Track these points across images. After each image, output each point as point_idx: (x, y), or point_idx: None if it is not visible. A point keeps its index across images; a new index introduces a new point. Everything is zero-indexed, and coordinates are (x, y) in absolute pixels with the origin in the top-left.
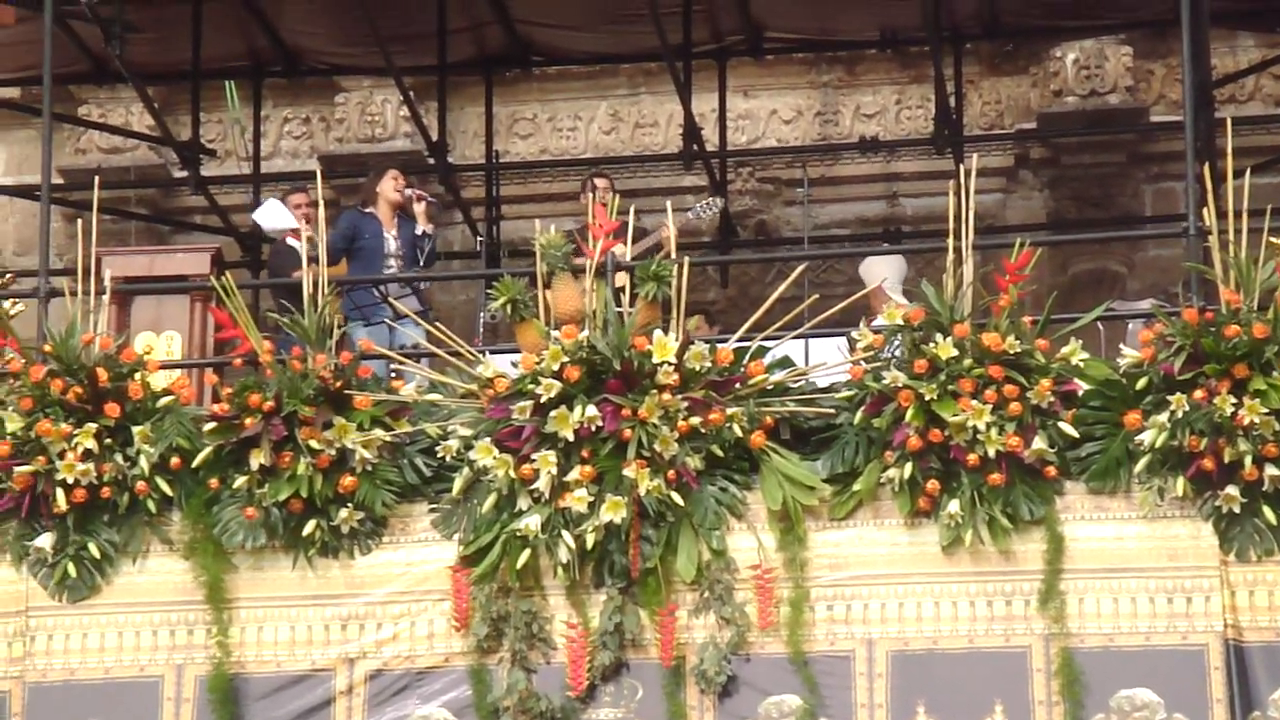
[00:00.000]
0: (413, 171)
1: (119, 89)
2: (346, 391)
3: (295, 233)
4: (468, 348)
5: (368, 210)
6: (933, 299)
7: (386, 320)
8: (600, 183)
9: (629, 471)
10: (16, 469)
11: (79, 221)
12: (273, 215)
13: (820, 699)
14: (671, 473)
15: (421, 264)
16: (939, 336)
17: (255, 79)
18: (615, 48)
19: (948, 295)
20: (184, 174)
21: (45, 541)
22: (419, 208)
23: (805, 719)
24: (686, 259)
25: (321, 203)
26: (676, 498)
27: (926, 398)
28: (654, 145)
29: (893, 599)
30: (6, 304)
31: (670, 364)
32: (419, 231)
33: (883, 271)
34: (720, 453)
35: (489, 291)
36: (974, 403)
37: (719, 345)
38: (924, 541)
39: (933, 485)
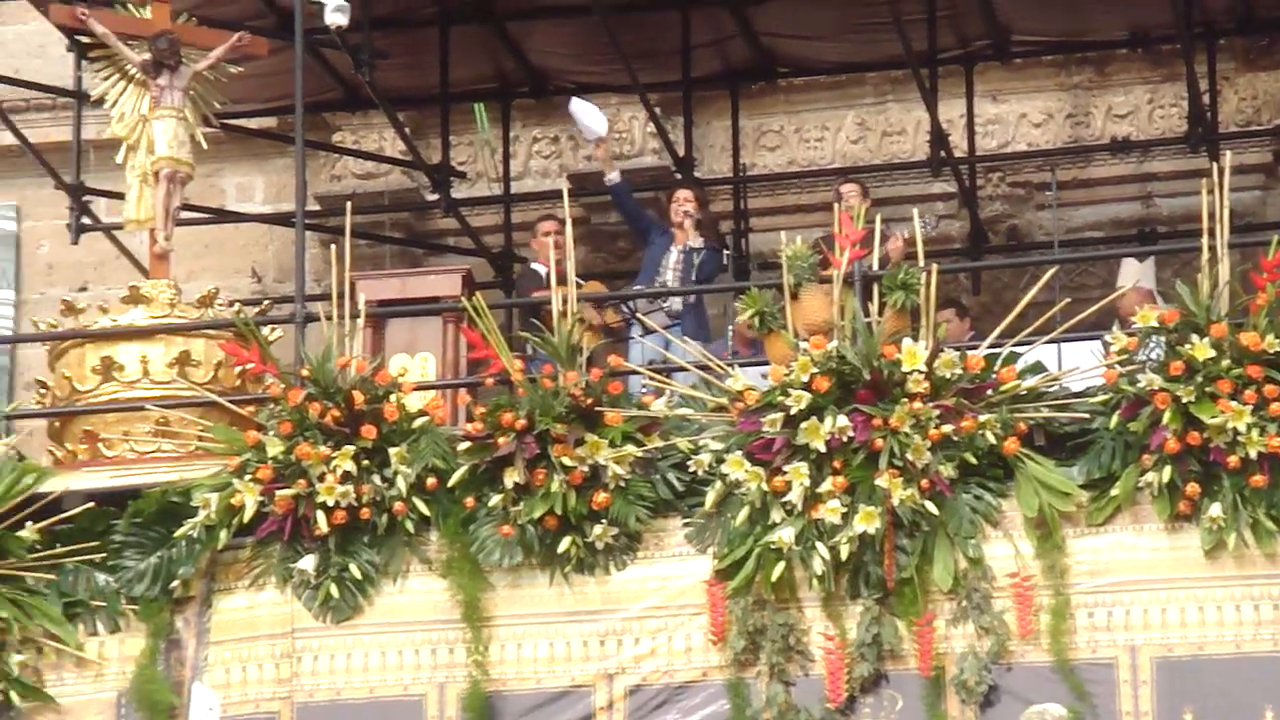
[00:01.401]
0: (660, 188)
1: (371, 115)
2: (598, 408)
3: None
4: (718, 361)
5: (669, 229)
6: (1188, 299)
7: (633, 337)
8: (847, 188)
9: (882, 481)
10: (278, 493)
11: (333, 247)
12: (588, 113)
13: (1090, 706)
14: (925, 481)
15: (695, 279)
16: (1195, 337)
17: (504, 100)
18: (861, 56)
19: (1203, 295)
20: (435, 196)
21: (308, 564)
22: (686, 224)
23: None
24: (935, 266)
25: (570, 221)
26: (931, 507)
27: (1184, 400)
28: (902, 153)
29: (1155, 605)
30: (266, 330)
31: (921, 372)
32: (687, 247)
33: (1136, 274)
34: (974, 460)
35: (737, 304)
36: (1233, 404)
37: (969, 352)
38: (1185, 546)
39: (1193, 489)
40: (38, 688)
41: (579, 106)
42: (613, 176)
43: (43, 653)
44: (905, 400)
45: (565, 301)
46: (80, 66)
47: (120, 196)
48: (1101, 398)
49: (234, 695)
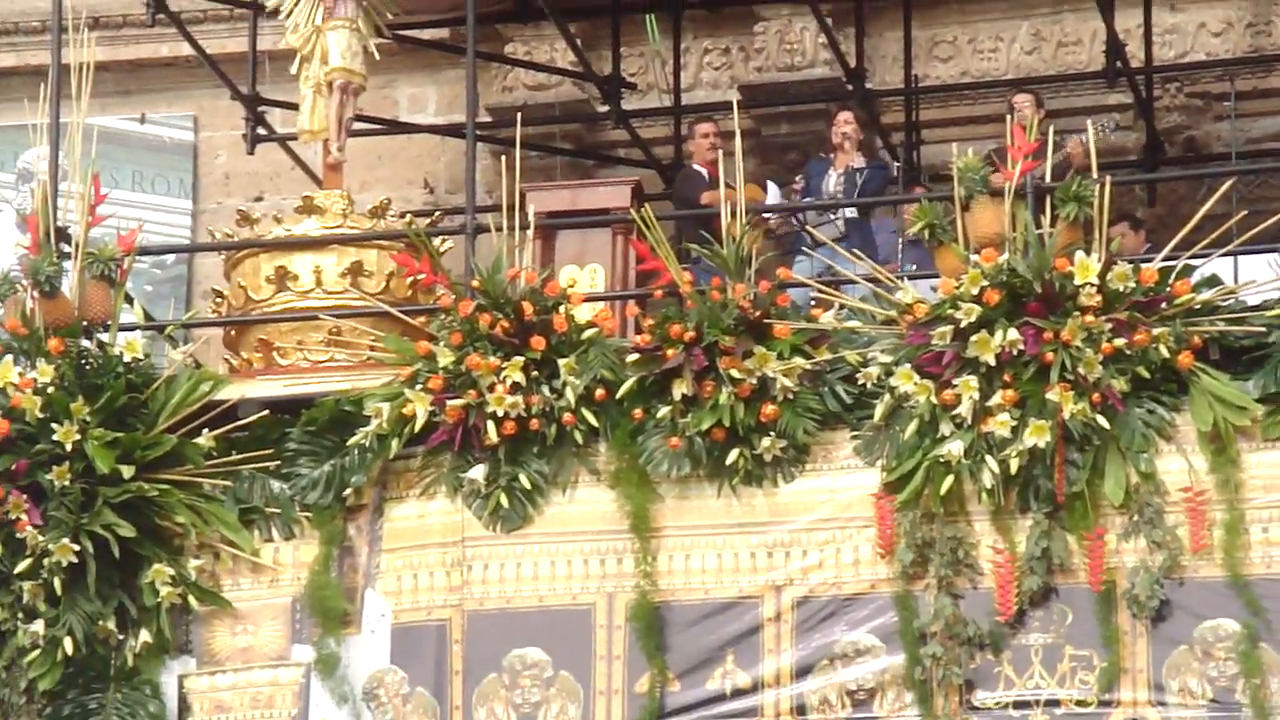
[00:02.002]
0: (831, 99)
1: (542, 26)
2: (766, 320)
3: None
4: (887, 274)
5: (825, 156)
6: None
7: (804, 249)
8: (1020, 99)
9: (1052, 395)
10: (449, 402)
11: (503, 158)
12: None
13: (1265, 622)
14: (1096, 395)
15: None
16: None
17: (675, 11)
18: None
19: None
20: (606, 108)
21: (478, 473)
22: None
23: (1245, 643)
24: (1108, 178)
25: (739, 133)
26: (1102, 420)
27: None
28: (1077, 64)
29: None
30: (437, 241)
31: (1093, 285)
32: (854, 166)
33: None
34: (1146, 374)
35: (907, 217)
36: None
37: (1143, 265)
38: None
39: None
40: (214, 592)
41: None
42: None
43: (219, 558)
44: (1077, 313)
45: (735, 212)
46: None
47: (295, 107)
48: (1278, 311)
49: (405, 602)
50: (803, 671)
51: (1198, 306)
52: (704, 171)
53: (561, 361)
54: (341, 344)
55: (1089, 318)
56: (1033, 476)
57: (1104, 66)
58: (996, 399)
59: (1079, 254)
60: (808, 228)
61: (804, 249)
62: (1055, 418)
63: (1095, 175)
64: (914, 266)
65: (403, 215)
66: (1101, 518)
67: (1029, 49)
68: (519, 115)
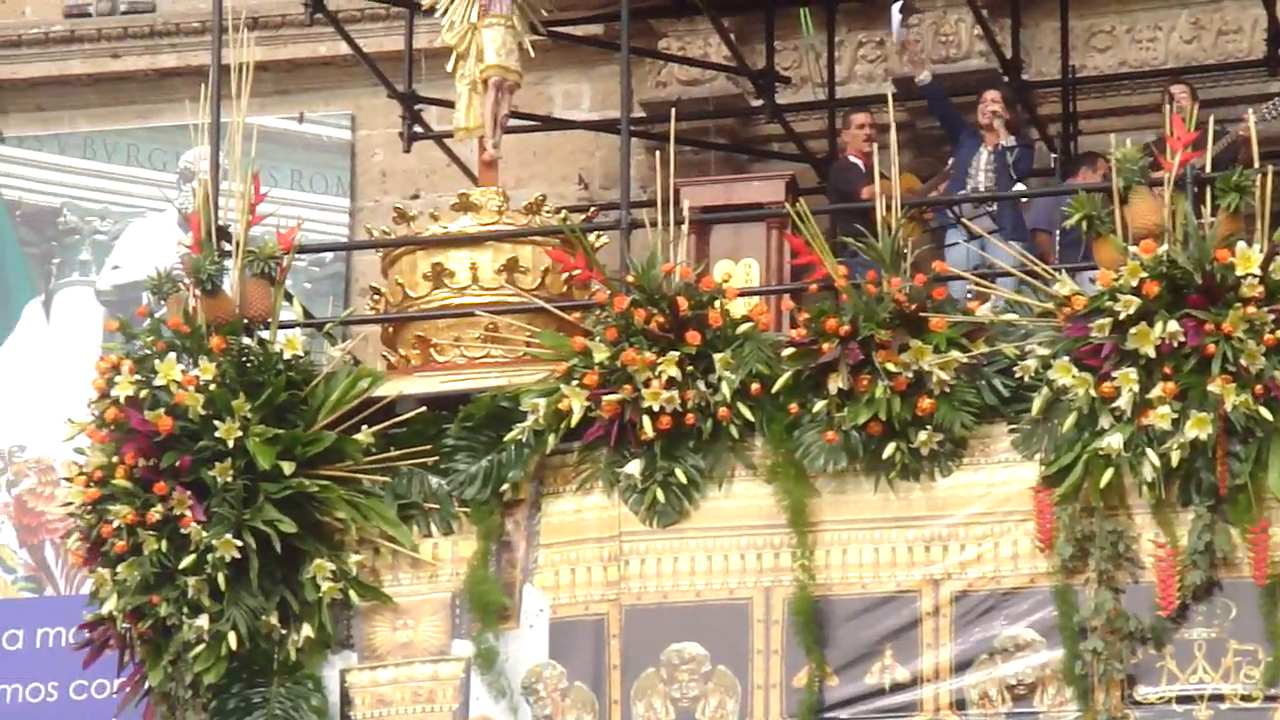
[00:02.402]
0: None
1: (696, 21)
2: (922, 314)
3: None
4: (1045, 266)
5: (978, 130)
6: None
7: (961, 240)
8: (1177, 89)
9: (1214, 387)
10: (605, 398)
11: (658, 153)
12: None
13: None
14: (1259, 387)
15: (1013, 178)
16: None
17: (829, 4)
18: None
19: None
20: (760, 102)
21: (634, 468)
22: (996, 123)
23: None
24: (1269, 168)
25: (894, 126)
26: (1265, 412)
27: None
28: (1238, 53)
29: None
30: (592, 236)
31: (1255, 276)
32: (1002, 145)
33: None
34: None
35: (1064, 209)
36: None
37: None
38: None
39: None
40: (375, 587)
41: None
42: (923, 77)
43: (379, 553)
44: (1239, 305)
45: (890, 205)
46: None
47: (450, 105)
48: None
49: (563, 597)
50: (961, 666)
51: None
52: (859, 163)
53: (717, 356)
54: (498, 340)
55: (1251, 309)
56: (1194, 469)
57: (1265, 55)
58: (1157, 391)
59: (1240, 244)
60: (963, 220)
61: (960, 239)
62: (1217, 410)
63: (1257, 164)
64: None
65: (558, 211)
66: (1265, 511)
67: (1188, 38)
68: (673, 110)
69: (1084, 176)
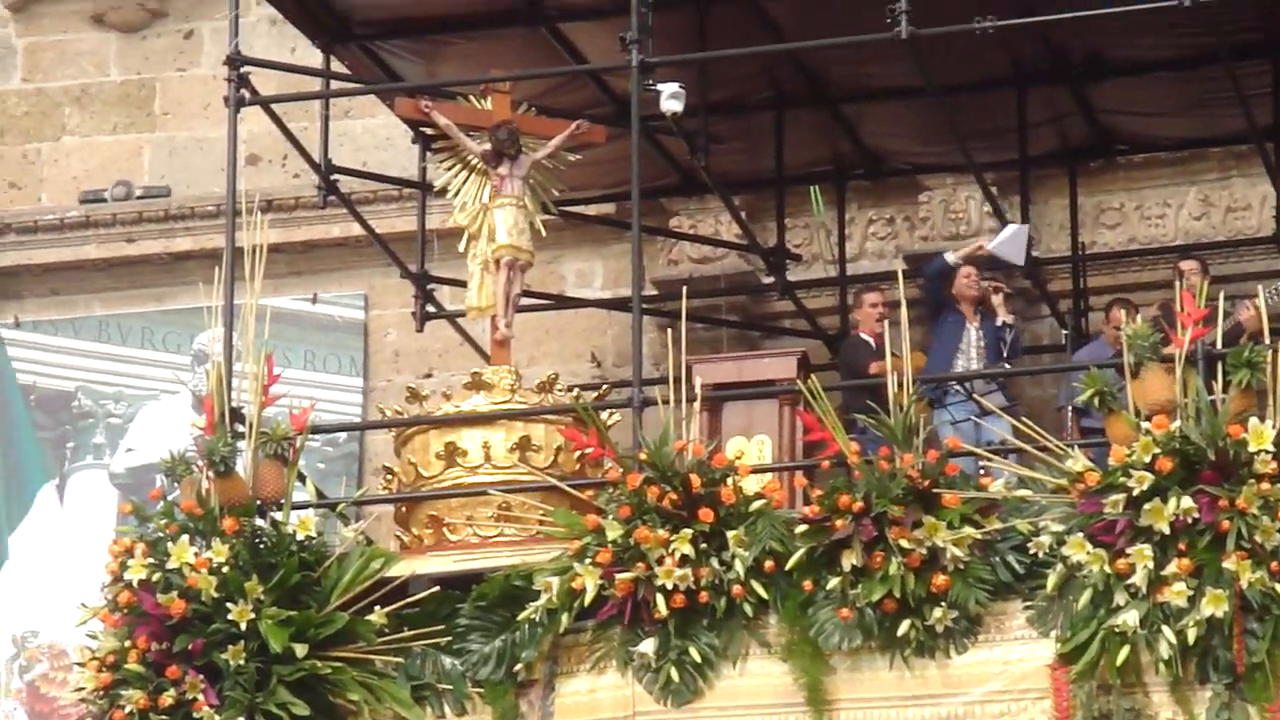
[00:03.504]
0: (997, 267)
1: (707, 199)
2: (935, 490)
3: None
4: (1056, 442)
5: (958, 307)
6: None
7: (973, 416)
8: (1187, 265)
9: (1229, 564)
10: (618, 576)
11: (669, 331)
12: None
13: None
14: (1274, 563)
15: (1005, 355)
16: None
17: (839, 182)
18: (1203, 132)
19: None
20: (771, 279)
21: (648, 647)
22: (996, 299)
23: None
24: None
25: (904, 302)
26: None
27: None
28: (1246, 229)
29: None
30: (604, 414)
31: (1269, 451)
32: (999, 323)
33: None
34: None
35: (1075, 384)
36: None
37: None
38: None
39: None
40: None
41: (1013, 233)
42: (951, 257)
43: None
44: (1252, 480)
45: (901, 382)
46: (424, 158)
47: (463, 284)
48: None
49: None
50: None
51: None
52: (870, 340)
53: (730, 533)
54: (510, 519)
55: (1265, 485)
56: (1211, 647)
57: (1274, 231)
58: (1172, 568)
59: (1253, 420)
60: (975, 396)
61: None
62: (1233, 587)
63: (1268, 340)
64: None
65: (570, 389)
66: None
67: (1197, 215)
68: (685, 288)
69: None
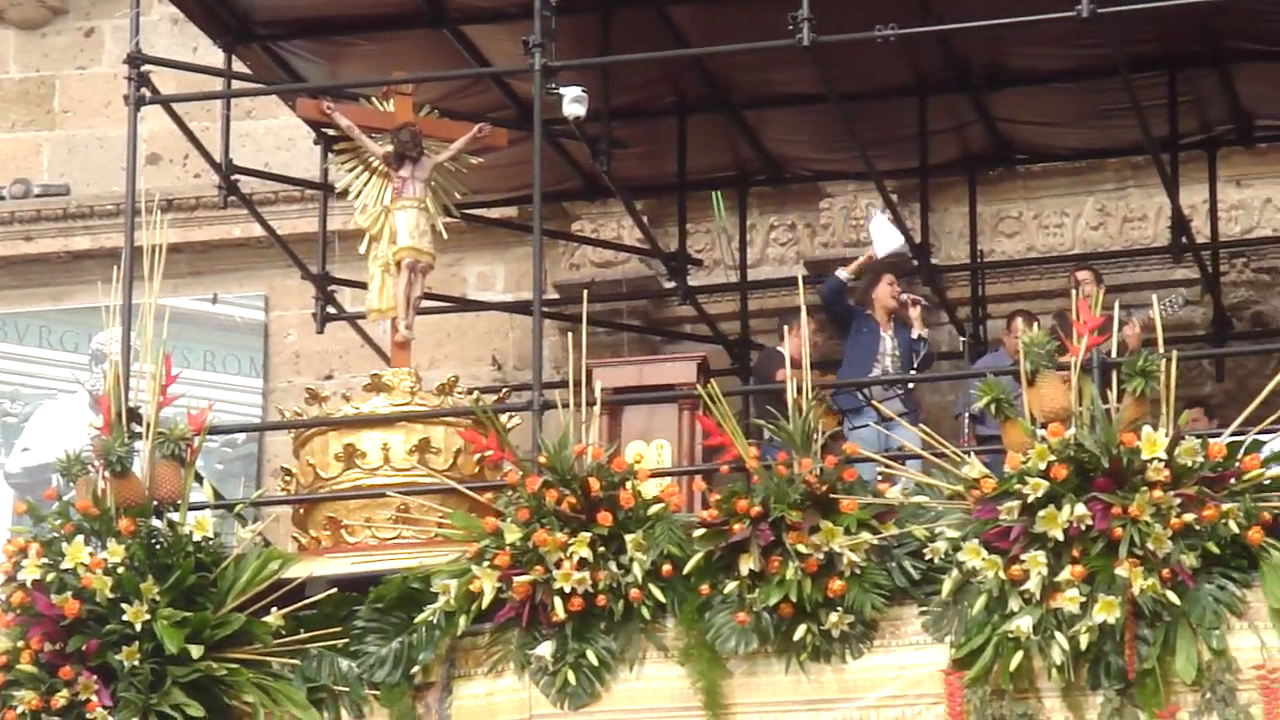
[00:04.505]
0: (897, 274)
1: (609, 204)
2: (833, 495)
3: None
4: (953, 448)
5: (868, 313)
6: None
7: (871, 423)
8: (1083, 275)
9: (1122, 570)
10: (516, 579)
11: (570, 334)
12: (884, 233)
13: None
14: (1166, 571)
15: (915, 367)
16: None
17: (741, 188)
18: (1100, 143)
19: None
20: (673, 284)
21: (546, 650)
22: (914, 312)
23: None
24: (1174, 352)
25: (804, 308)
26: (1172, 597)
27: None
28: (1143, 239)
29: None
30: (504, 417)
31: (1161, 460)
32: (914, 336)
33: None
34: (1216, 550)
35: (972, 391)
36: None
37: (1211, 440)
38: None
39: None
40: None
41: (879, 225)
42: (843, 274)
43: None
44: (1145, 488)
45: (800, 389)
46: (326, 159)
47: (364, 286)
48: None
49: None
50: None
51: (1267, 482)
52: (783, 350)
53: (628, 537)
54: (409, 521)
55: (1157, 493)
56: (1103, 653)
57: (1170, 242)
58: (1065, 574)
59: (1146, 429)
60: (873, 402)
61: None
62: (1125, 593)
63: (1162, 350)
64: None
65: (470, 392)
66: (1173, 695)
67: (1094, 224)
68: (586, 292)
69: (1012, 333)
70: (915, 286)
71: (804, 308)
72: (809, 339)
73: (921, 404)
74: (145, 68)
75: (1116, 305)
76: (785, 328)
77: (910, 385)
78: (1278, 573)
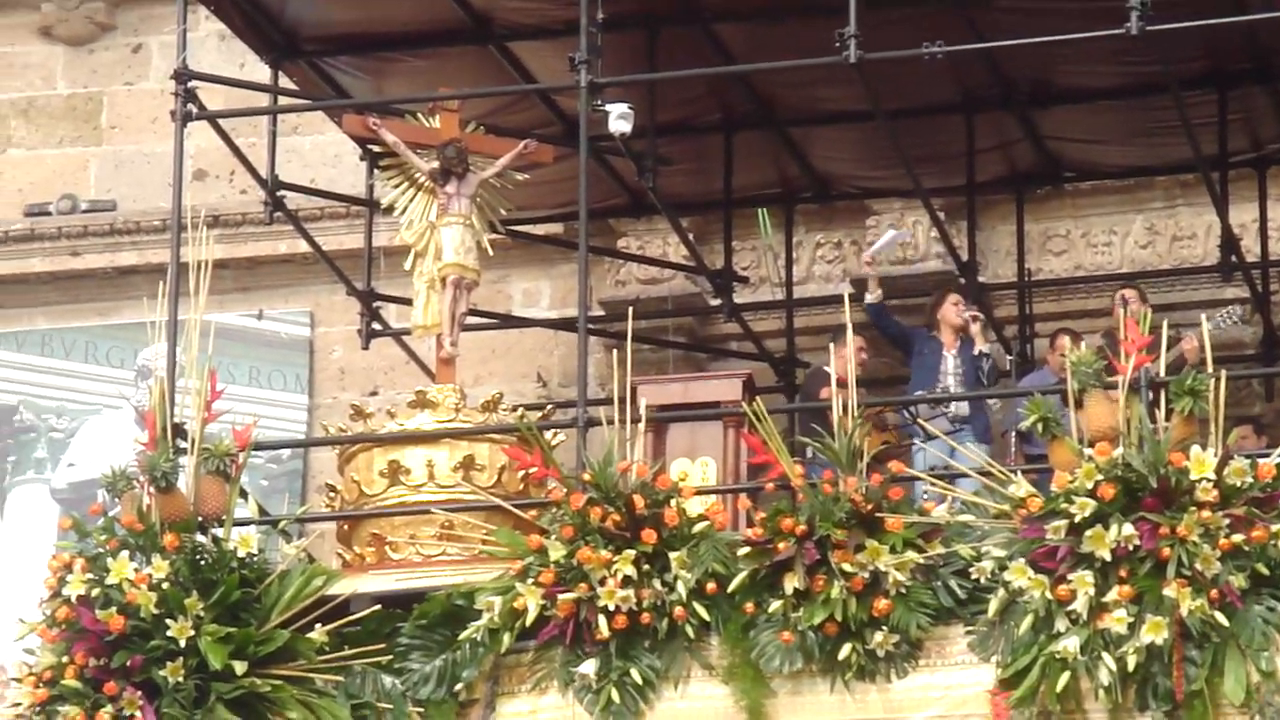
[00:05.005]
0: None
1: (654, 220)
2: (878, 514)
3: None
4: (1000, 467)
5: (932, 334)
6: None
7: (915, 442)
8: (1129, 293)
9: (1169, 591)
10: (560, 596)
11: (615, 352)
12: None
13: None
14: (1214, 592)
15: (985, 383)
16: None
17: (787, 205)
18: (1149, 160)
19: None
20: (718, 301)
21: (589, 668)
22: (975, 328)
23: None
24: (1224, 372)
25: (850, 326)
26: (1221, 618)
27: None
28: (1192, 258)
29: None
30: (548, 434)
31: (1209, 480)
32: (976, 351)
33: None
34: (1265, 571)
35: (1019, 410)
36: None
37: (1261, 460)
38: None
39: None
40: None
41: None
42: (870, 298)
43: None
44: (1194, 509)
45: (847, 407)
46: (372, 175)
47: (409, 302)
48: None
49: None
50: None
51: None
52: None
53: (673, 555)
54: (453, 538)
55: (1206, 513)
56: (1151, 674)
57: (1219, 260)
58: (1112, 595)
59: (1195, 448)
60: (919, 421)
61: (916, 441)
62: (1173, 614)
63: (1211, 369)
64: None
65: (515, 409)
66: (1222, 717)
67: (1143, 243)
68: (631, 309)
69: (1050, 357)
70: (979, 307)
71: (849, 325)
72: (854, 356)
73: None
74: (192, 84)
75: (1165, 324)
76: (832, 345)
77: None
78: None
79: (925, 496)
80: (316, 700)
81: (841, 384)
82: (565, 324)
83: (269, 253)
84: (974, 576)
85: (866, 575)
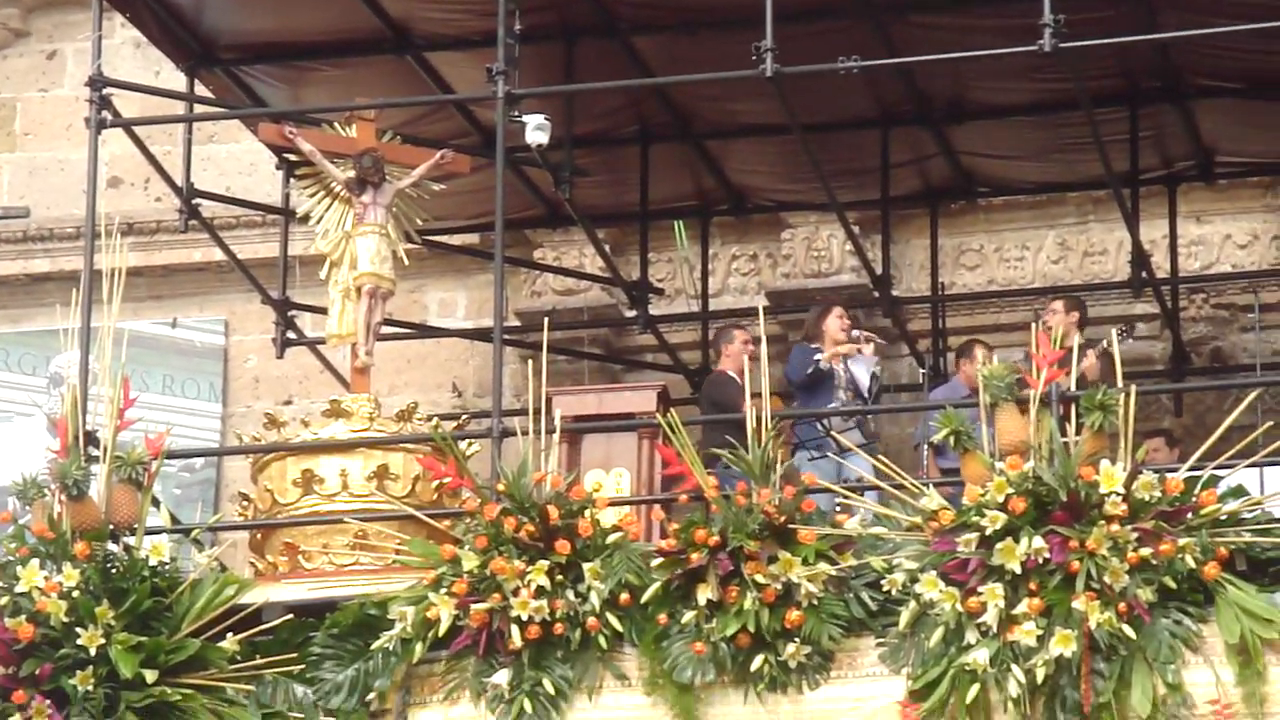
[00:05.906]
0: (858, 305)
1: (571, 232)
2: (791, 526)
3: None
4: (911, 480)
5: (814, 345)
6: None
7: (830, 454)
8: (1056, 304)
9: (1078, 604)
10: (473, 606)
11: (530, 362)
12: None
13: None
14: (1123, 605)
15: (869, 399)
16: None
17: (703, 218)
18: (1062, 176)
19: None
20: (634, 313)
21: (502, 678)
22: (867, 349)
23: None
24: (1133, 387)
25: (765, 338)
26: (1128, 631)
27: None
28: (1103, 274)
29: None
30: (463, 444)
31: (1118, 494)
32: (870, 372)
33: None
34: (1173, 584)
35: (932, 423)
36: None
37: (1169, 474)
38: None
39: None
40: None
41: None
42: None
43: None
44: (1103, 522)
45: (760, 419)
46: (288, 184)
47: (324, 311)
48: None
49: None
50: None
51: (1224, 517)
52: (736, 377)
53: (586, 566)
54: (367, 547)
55: (1115, 527)
56: (1059, 686)
57: (1130, 276)
58: (1022, 607)
59: (1104, 463)
60: (833, 433)
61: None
62: (1081, 627)
63: (1121, 384)
64: None
65: (430, 419)
66: None
67: (1055, 258)
68: (547, 320)
69: (963, 367)
70: (872, 318)
71: (764, 339)
72: (745, 358)
73: (879, 434)
74: (107, 91)
75: (1077, 339)
76: (722, 341)
77: (869, 417)
78: (1233, 609)
79: (836, 509)
80: (227, 709)
81: (742, 379)
82: (481, 334)
83: (183, 261)
84: (886, 588)
85: (779, 587)
